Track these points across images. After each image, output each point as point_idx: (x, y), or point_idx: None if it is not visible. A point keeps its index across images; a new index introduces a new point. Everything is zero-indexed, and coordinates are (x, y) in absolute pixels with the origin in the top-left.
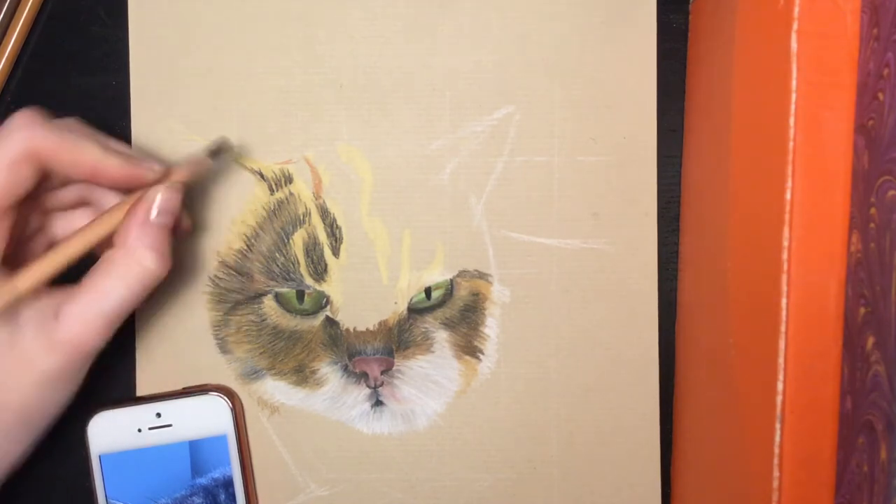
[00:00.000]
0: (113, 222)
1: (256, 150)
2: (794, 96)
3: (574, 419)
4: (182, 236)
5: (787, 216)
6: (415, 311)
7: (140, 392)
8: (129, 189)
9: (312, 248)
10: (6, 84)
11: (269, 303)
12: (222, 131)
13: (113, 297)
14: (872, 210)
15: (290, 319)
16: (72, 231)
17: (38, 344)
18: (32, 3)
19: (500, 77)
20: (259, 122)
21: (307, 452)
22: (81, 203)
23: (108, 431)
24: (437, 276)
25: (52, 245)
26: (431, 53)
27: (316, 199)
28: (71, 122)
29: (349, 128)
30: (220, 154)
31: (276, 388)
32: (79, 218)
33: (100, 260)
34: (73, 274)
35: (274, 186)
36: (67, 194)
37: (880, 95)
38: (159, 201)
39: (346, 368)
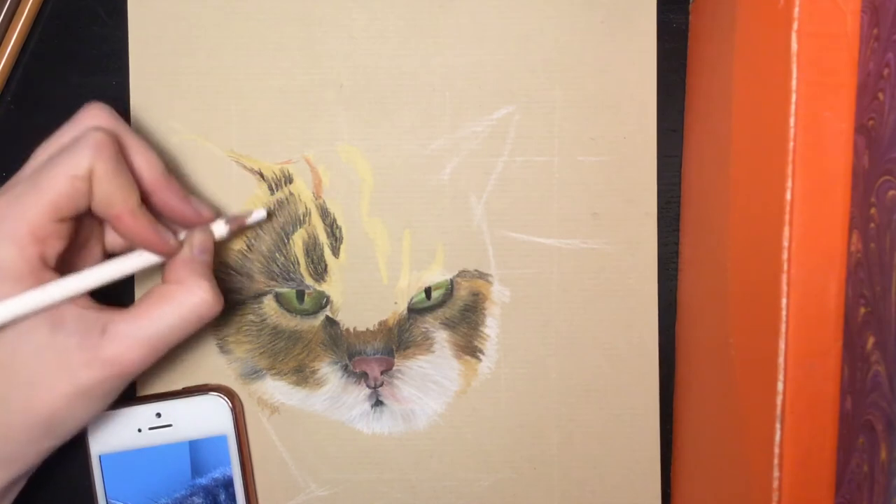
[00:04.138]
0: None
1: (256, 150)
2: (794, 96)
3: (574, 419)
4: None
5: (787, 216)
6: (415, 311)
7: (140, 392)
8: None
9: (312, 248)
10: (6, 84)
11: (269, 303)
12: (222, 131)
13: (164, 323)
14: (872, 210)
15: (290, 319)
16: (121, 243)
17: (80, 355)
18: (32, 3)
19: (500, 77)
20: (259, 122)
21: (307, 452)
22: None
23: (108, 431)
24: (437, 276)
25: (104, 251)
26: (431, 53)
27: (316, 199)
28: (139, 144)
29: (349, 128)
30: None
31: (276, 388)
32: None
33: (150, 291)
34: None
35: (274, 186)
36: None
37: (880, 95)
38: (199, 242)
39: (346, 368)
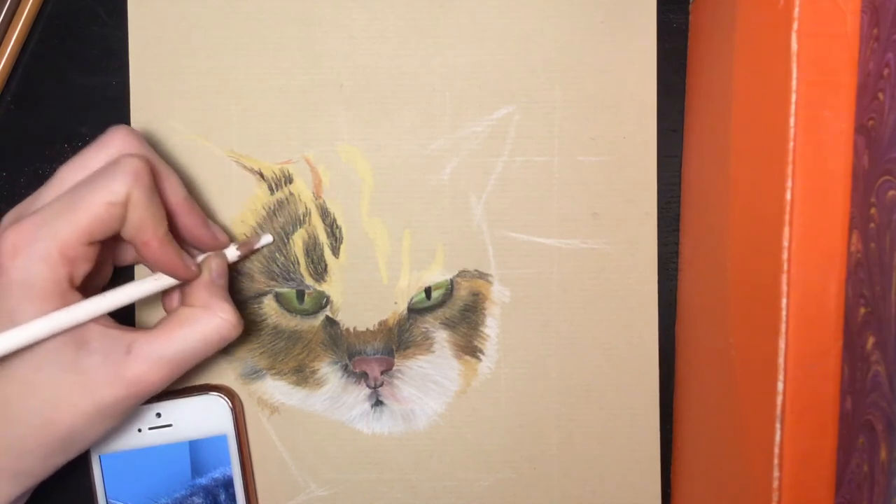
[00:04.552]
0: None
1: (256, 150)
2: (794, 96)
3: (574, 419)
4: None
5: (787, 216)
6: (415, 311)
7: None
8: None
9: (312, 248)
10: (6, 84)
11: (269, 303)
12: (222, 131)
13: (188, 344)
14: (872, 210)
15: (291, 319)
16: (133, 259)
17: (103, 374)
18: (32, 3)
19: (500, 77)
20: (259, 122)
21: (307, 452)
22: None
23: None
24: (437, 276)
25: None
26: (431, 53)
27: (316, 199)
28: (166, 170)
29: (349, 128)
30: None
31: (276, 388)
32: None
33: (174, 313)
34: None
35: (274, 186)
36: None
37: (880, 95)
38: (216, 266)
39: (346, 368)
